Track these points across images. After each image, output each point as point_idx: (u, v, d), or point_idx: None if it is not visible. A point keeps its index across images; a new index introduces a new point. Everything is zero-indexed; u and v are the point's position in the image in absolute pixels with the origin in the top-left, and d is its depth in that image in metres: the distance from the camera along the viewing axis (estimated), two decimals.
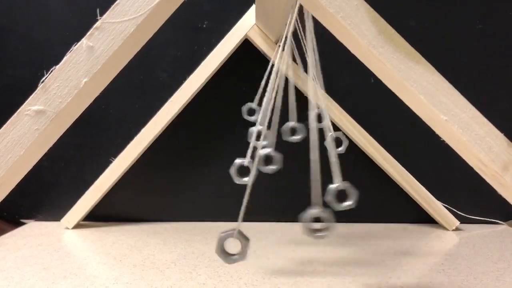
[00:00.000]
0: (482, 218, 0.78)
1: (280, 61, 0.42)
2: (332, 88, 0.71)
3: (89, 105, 0.75)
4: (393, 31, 0.32)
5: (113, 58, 0.32)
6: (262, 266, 0.54)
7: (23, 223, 0.76)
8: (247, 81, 0.74)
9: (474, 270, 0.54)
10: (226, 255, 0.31)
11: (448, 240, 0.68)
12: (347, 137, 0.54)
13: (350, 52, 0.36)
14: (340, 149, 0.52)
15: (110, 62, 0.32)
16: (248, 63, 0.73)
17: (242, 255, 0.31)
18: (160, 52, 0.74)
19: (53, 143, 0.36)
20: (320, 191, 0.32)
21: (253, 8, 0.67)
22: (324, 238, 0.31)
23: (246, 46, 0.71)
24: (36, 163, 0.76)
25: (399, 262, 0.56)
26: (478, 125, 0.32)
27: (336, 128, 0.73)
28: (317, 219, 0.31)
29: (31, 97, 0.32)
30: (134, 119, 0.73)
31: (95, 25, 0.31)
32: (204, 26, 0.73)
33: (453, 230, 0.74)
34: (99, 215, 0.76)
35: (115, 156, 0.71)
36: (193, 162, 0.77)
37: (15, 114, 0.32)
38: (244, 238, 0.32)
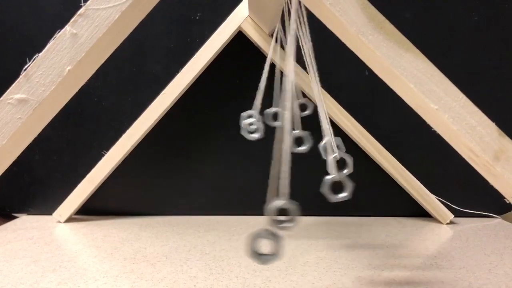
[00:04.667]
0: (476, 212, 0.77)
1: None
2: (326, 82, 0.71)
3: (81, 98, 0.75)
4: (383, 18, 0.31)
5: (98, 46, 0.31)
6: None
7: (15, 217, 0.75)
8: (241, 73, 0.74)
9: (466, 263, 0.53)
10: (259, 257, 0.30)
11: (442, 234, 0.68)
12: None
13: (344, 45, 0.35)
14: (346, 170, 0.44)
15: (95, 50, 0.32)
16: (241, 55, 0.72)
17: (276, 254, 0.30)
18: (153, 44, 0.73)
19: (38, 133, 0.36)
20: (287, 183, 0.31)
21: (246, 0, 0.66)
22: (289, 230, 0.29)
23: (239, 38, 0.70)
24: (28, 156, 0.76)
25: (392, 255, 0.56)
26: (469, 114, 0.32)
27: (330, 121, 0.72)
28: (283, 211, 0.30)
29: (13, 85, 0.31)
30: (126, 112, 0.73)
31: (78, 12, 0.31)
32: (197, 18, 0.72)
33: (447, 223, 0.74)
34: (92, 209, 0.75)
35: (108, 149, 0.70)
36: (186, 155, 0.76)
37: None
38: (275, 236, 0.31)
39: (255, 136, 0.52)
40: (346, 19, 0.31)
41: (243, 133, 0.52)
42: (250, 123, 0.51)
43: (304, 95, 0.59)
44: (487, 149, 0.31)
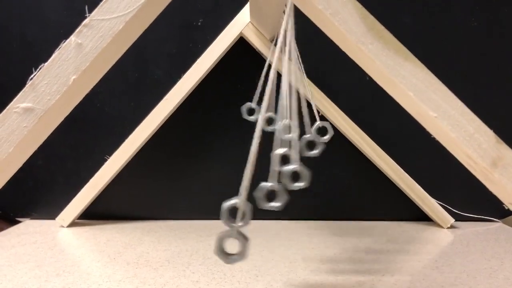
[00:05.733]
0: (477, 216, 0.78)
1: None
2: (327, 86, 0.72)
3: (84, 104, 0.75)
4: (382, 27, 0.32)
5: (102, 55, 0.32)
6: (255, 264, 0.54)
7: (19, 221, 0.76)
8: (242, 78, 0.74)
9: (467, 267, 0.54)
10: (225, 256, 0.31)
11: (443, 238, 0.68)
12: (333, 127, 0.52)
13: None
14: (325, 137, 0.49)
15: (99, 59, 0.32)
16: (243, 61, 0.73)
17: (241, 254, 0.31)
18: (155, 50, 0.73)
19: (43, 140, 0.36)
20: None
21: (247, 6, 0.66)
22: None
23: (241, 44, 0.71)
24: (32, 161, 0.76)
25: (393, 260, 0.57)
26: (467, 121, 0.32)
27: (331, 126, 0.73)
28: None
29: (19, 94, 0.32)
30: (129, 117, 0.73)
31: (83, 22, 0.31)
32: (199, 24, 0.73)
33: (448, 227, 0.74)
34: (94, 213, 0.76)
35: (110, 154, 0.71)
36: (188, 160, 0.76)
37: (4, 111, 0.32)
38: (243, 238, 0.32)
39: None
40: (345, 28, 0.31)
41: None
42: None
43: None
44: (485, 156, 0.32)
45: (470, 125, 0.32)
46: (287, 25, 0.35)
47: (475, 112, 0.33)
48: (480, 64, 0.75)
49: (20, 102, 0.32)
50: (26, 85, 0.32)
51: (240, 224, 0.32)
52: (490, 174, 0.32)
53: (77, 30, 0.31)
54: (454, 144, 0.33)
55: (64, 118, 0.37)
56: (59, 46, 0.31)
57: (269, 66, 0.58)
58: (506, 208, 0.76)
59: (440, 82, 0.32)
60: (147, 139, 0.70)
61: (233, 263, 0.31)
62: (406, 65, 0.32)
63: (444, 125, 0.32)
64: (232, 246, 0.31)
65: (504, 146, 0.32)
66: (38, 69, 0.31)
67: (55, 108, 0.32)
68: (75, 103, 0.36)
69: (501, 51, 0.74)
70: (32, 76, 0.31)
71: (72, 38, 0.32)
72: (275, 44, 0.55)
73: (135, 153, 0.71)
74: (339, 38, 0.33)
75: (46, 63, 0.32)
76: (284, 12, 0.49)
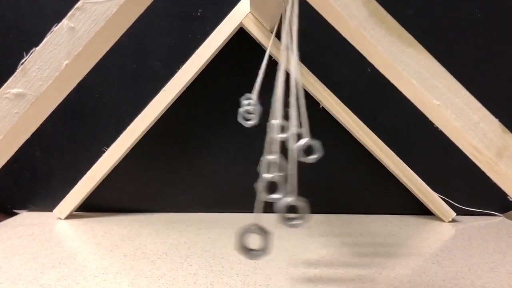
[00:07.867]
0: (479, 210, 0.77)
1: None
2: (328, 78, 0.71)
3: (82, 95, 0.74)
4: (385, 12, 0.31)
5: (95, 40, 0.31)
6: None
7: (16, 213, 0.75)
8: (242, 70, 0.73)
9: (468, 262, 0.53)
10: (247, 252, 0.30)
11: (444, 232, 0.68)
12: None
13: (347, 41, 0.35)
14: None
15: (92, 44, 0.31)
16: (243, 51, 0.72)
17: (264, 250, 0.30)
18: (154, 41, 0.72)
19: (36, 128, 0.35)
20: (296, 181, 0.30)
21: None
22: (298, 227, 0.29)
23: (240, 35, 0.70)
24: (29, 153, 0.75)
25: (394, 253, 0.56)
26: (472, 110, 0.31)
27: (332, 118, 0.72)
28: (292, 208, 0.29)
29: (10, 79, 0.31)
30: (127, 109, 0.72)
31: (76, 5, 0.30)
32: (199, 14, 0.72)
33: (449, 221, 0.73)
34: (92, 206, 0.75)
35: (108, 146, 0.70)
36: (187, 152, 0.76)
37: None
38: (264, 232, 0.31)
39: (251, 123, 0.50)
40: (347, 13, 0.30)
41: (240, 119, 0.50)
42: (247, 110, 0.50)
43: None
44: (490, 146, 0.31)
45: (475, 113, 0.31)
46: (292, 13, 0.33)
47: (480, 101, 0.32)
48: (484, 53, 0.74)
49: (10, 88, 0.31)
50: (17, 70, 0.31)
51: (297, 221, 0.31)
52: (495, 165, 0.31)
53: (69, 14, 0.30)
54: (458, 134, 0.32)
55: (62, 109, 0.36)
56: (51, 30, 0.30)
57: (270, 57, 0.57)
58: (511, 200, 0.75)
59: (444, 70, 0.31)
60: (146, 131, 0.70)
61: (256, 258, 0.30)
62: (409, 51, 0.31)
63: (448, 113, 0.31)
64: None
65: (510, 136, 0.31)
66: (29, 54, 0.30)
67: (47, 94, 0.31)
68: (69, 89, 0.35)
69: (505, 42, 0.73)
70: (23, 60, 0.31)
71: (65, 21, 0.30)
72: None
73: (133, 145, 0.70)
74: (340, 23, 0.32)
75: (37, 48, 0.31)
76: (284, 1, 0.48)
